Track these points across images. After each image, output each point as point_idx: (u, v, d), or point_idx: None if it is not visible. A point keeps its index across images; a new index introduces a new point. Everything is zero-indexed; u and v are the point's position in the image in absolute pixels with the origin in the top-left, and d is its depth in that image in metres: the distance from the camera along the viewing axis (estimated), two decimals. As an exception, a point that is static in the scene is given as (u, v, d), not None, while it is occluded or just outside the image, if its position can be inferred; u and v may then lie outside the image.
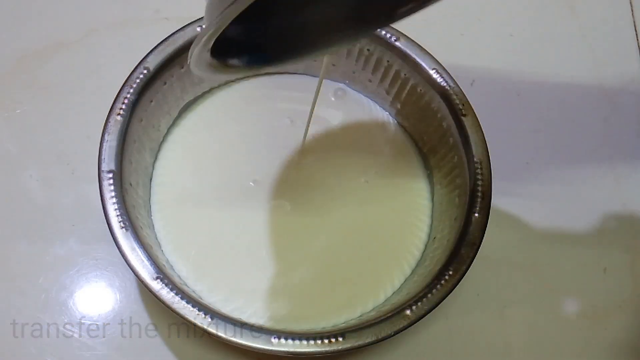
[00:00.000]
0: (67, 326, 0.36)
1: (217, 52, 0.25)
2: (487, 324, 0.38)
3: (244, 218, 0.37)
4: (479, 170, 0.35)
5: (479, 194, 0.34)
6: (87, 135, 0.40)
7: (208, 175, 0.38)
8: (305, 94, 0.41)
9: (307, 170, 0.39)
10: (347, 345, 0.31)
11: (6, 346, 0.36)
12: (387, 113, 0.41)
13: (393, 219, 0.38)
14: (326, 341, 0.31)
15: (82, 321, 0.36)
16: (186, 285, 0.35)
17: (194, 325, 0.31)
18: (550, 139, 0.43)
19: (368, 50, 0.38)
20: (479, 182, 0.35)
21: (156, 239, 0.36)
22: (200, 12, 0.36)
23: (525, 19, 0.48)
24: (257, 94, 0.41)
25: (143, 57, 0.36)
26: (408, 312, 0.32)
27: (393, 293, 0.36)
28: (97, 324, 0.36)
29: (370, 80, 0.40)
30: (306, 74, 0.42)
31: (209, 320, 0.31)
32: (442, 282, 0.32)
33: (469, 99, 0.36)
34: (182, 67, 0.37)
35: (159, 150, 0.39)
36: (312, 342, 0.31)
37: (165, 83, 0.37)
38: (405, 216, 0.39)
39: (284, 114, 0.41)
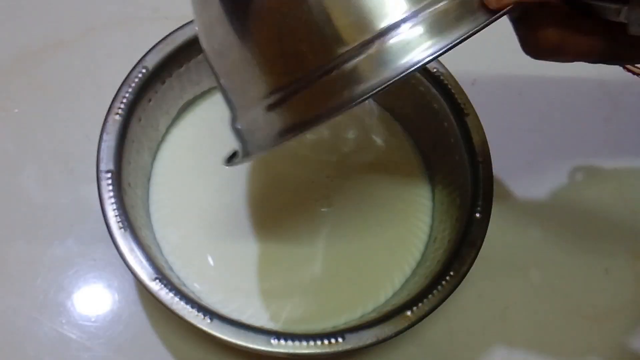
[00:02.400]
0: (66, 327, 0.36)
1: None
2: (488, 324, 0.38)
3: (244, 218, 0.37)
4: (480, 170, 0.35)
5: (480, 194, 0.34)
6: (85, 134, 0.40)
7: (207, 176, 0.38)
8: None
9: (307, 171, 0.39)
10: (347, 346, 0.31)
11: (4, 347, 0.36)
12: (388, 113, 0.41)
13: (393, 219, 0.38)
14: (326, 342, 0.31)
15: (81, 322, 0.36)
16: (185, 285, 0.35)
17: (193, 326, 0.30)
18: (552, 139, 0.43)
19: (368, 49, 0.38)
20: (480, 182, 0.34)
21: (155, 239, 0.36)
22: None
23: (526, 18, 0.47)
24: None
25: (142, 56, 0.36)
26: (409, 313, 0.31)
27: (393, 294, 0.36)
28: (95, 325, 0.36)
29: (370, 80, 0.40)
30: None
31: (208, 321, 0.30)
32: (443, 283, 0.32)
33: (470, 99, 0.36)
34: (181, 67, 0.37)
35: (157, 150, 0.38)
36: (312, 343, 0.30)
37: (164, 82, 0.37)
38: (406, 216, 0.38)
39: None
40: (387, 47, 0.21)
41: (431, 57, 0.21)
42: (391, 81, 0.22)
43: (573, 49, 0.24)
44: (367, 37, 0.21)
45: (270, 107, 0.24)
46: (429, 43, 0.21)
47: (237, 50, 0.24)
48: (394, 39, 0.21)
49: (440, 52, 0.21)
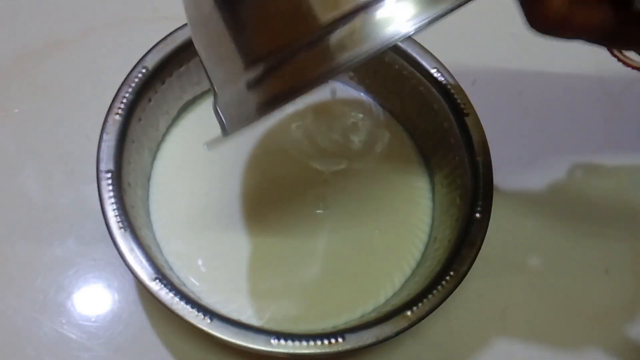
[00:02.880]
0: (65, 327, 0.36)
1: None
2: (488, 324, 0.38)
3: (244, 219, 0.37)
4: (480, 170, 0.35)
5: (480, 194, 0.34)
6: (85, 134, 0.40)
7: (207, 176, 0.38)
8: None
9: (307, 170, 0.39)
10: (348, 346, 0.31)
11: (4, 347, 0.36)
12: (388, 113, 0.41)
13: (393, 219, 0.38)
14: (326, 342, 0.31)
15: (81, 322, 0.36)
16: (185, 285, 0.35)
17: (193, 326, 0.30)
18: (552, 139, 0.43)
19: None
20: (480, 182, 0.34)
21: (155, 239, 0.36)
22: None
23: (527, 18, 0.47)
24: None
25: (142, 56, 0.36)
26: (409, 312, 0.31)
27: (393, 294, 0.36)
28: (95, 325, 0.36)
29: (370, 80, 0.40)
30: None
31: (208, 321, 0.30)
32: (443, 283, 0.32)
33: (470, 99, 0.36)
34: (181, 67, 0.37)
35: (157, 150, 0.38)
36: (312, 343, 0.30)
37: (164, 82, 0.37)
38: (406, 216, 0.38)
39: (285, 113, 0.40)
40: (371, 18, 0.21)
41: (415, 28, 0.21)
42: (373, 52, 0.21)
43: (580, 23, 0.23)
44: (351, 7, 0.21)
45: (250, 83, 0.23)
46: (414, 13, 0.21)
47: (218, 22, 0.24)
48: (379, 10, 0.21)
49: (425, 22, 0.21)
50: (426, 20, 0.21)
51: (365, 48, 0.21)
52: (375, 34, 0.21)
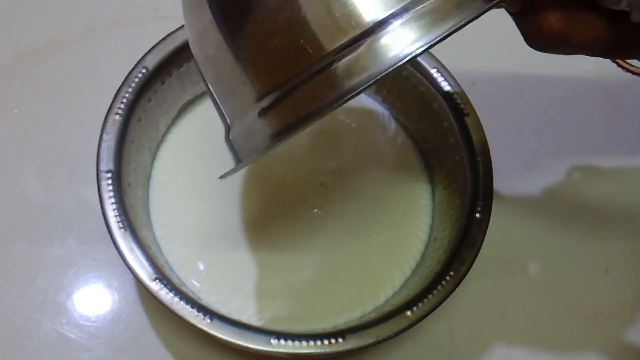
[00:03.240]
0: (66, 327, 0.36)
1: None
2: (489, 324, 0.38)
3: (244, 219, 0.37)
4: (480, 171, 0.35)
5: (480, 194, 0.34)
6: (85, 134, 0.40)
7: (207, 175, 0.38)
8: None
9: (307, 170, 0.39)
10: (348, 346, 0.31)
11: (4, 347, 0.36)
12: (388, 113, 0.41)
13: (393, 219, 0.38)
14: (326, 342, 0.31)
15: (81, 322, 0.36)
16: (185, 285, 0.35)
17: (193, 326, 0.30)
18: (552, 139, 0.43)
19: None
20: (480, 182, 0.34)
21: (155, 239, 0.36)
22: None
23: (526, 18, 0.47)
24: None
25: (142, 56, 0.36)
26: (409, 313, 0.31)
27: (394, 294, 0.36)
28: (95, 325, 0.36)
29: (370, 80, 0.40)
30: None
31: (208, 321, 0.30)
32: (443, 283, 0.32)
33: (470, 99, 0.36)
34: (181, 67, 0.37)
35: (157, 150, 0.38)
36: (312, 343, 0.31)
37: (164, 82, 0.37)
38: (406, 216, 0.38)
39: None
40: (377, 43, 0.21)
41: (421, 50, 0.21)
42: (381, 75, 0.22)
43: (578, 37, 0.23)
44: (357, 33, 0.22)
45: (262, 113, 0.24)
46: (419, 35, 0.21)
47: (228, 55, 0.24)
48: (385, 35, 0.21)
49: (430, 44, 0.21)
50: (432, 42, 0.21)
51: (373, 72, 0.22)
52: (382, 58, 0.21)
